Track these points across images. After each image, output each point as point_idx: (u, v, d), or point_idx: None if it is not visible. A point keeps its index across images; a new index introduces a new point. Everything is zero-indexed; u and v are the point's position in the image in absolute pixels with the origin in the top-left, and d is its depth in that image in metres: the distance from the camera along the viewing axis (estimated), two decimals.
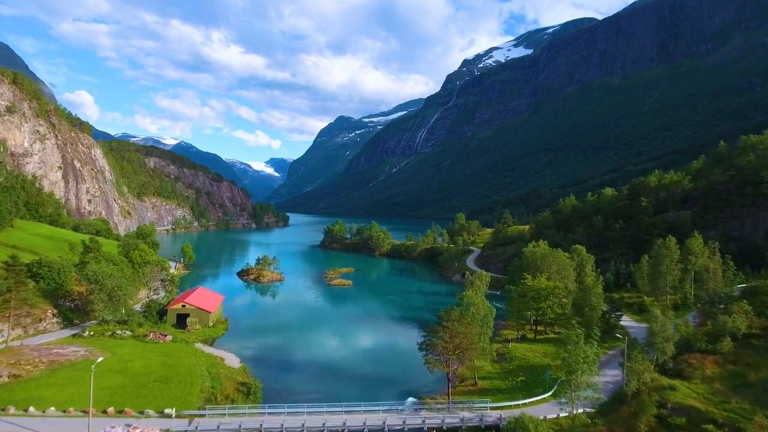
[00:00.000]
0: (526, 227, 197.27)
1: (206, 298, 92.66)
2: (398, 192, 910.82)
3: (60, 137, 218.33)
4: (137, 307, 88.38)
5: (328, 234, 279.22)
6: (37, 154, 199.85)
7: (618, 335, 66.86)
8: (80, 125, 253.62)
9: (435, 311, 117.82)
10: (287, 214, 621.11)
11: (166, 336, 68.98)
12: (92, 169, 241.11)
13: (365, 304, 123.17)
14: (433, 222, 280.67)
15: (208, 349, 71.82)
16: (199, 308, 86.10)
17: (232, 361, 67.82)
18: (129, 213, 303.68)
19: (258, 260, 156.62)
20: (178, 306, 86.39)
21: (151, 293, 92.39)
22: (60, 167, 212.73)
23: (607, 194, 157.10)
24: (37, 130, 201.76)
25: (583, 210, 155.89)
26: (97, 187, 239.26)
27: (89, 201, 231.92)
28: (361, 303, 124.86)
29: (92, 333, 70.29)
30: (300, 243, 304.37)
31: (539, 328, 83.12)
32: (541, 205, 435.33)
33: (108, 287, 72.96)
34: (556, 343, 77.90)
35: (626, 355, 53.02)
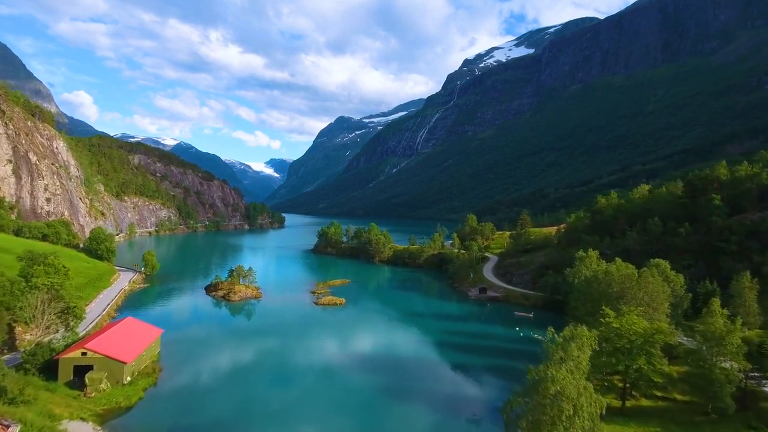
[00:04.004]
0: (553, 230, 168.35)
1: (126, 337, 63.45)
2: (399, 192, 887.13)
3: (11, 126, 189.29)
4: (10, 358, 59.02)
5: (322, 237, 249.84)
6: None
7: None
8: (40, 114, 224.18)
9: (454, 346, 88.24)
10: (285, 214, 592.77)
11: (9, 426, 40.16)
12: (52, 164, 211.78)
13: (361, 336, 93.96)
14: (439, 224, 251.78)
15: None
16: (108, 357, 57.00)
17: None
18: (102, 214, 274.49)
19: (231, 272, 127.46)
20: (76, 354, 57.25)
21: (41, 332, 62.57)
22: (10, 160, 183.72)
23: (661, 191, 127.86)
24: None
25: (630, 210, 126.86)
26: (58, 184, 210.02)
27: (48, 200, 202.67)
28: (355, 334, 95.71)
29: None
30: (292, 247, 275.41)
31: (619, 383, 53.86)
32: (547, 206, 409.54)
33: None
34: (661, 419, 48.97)
35: None
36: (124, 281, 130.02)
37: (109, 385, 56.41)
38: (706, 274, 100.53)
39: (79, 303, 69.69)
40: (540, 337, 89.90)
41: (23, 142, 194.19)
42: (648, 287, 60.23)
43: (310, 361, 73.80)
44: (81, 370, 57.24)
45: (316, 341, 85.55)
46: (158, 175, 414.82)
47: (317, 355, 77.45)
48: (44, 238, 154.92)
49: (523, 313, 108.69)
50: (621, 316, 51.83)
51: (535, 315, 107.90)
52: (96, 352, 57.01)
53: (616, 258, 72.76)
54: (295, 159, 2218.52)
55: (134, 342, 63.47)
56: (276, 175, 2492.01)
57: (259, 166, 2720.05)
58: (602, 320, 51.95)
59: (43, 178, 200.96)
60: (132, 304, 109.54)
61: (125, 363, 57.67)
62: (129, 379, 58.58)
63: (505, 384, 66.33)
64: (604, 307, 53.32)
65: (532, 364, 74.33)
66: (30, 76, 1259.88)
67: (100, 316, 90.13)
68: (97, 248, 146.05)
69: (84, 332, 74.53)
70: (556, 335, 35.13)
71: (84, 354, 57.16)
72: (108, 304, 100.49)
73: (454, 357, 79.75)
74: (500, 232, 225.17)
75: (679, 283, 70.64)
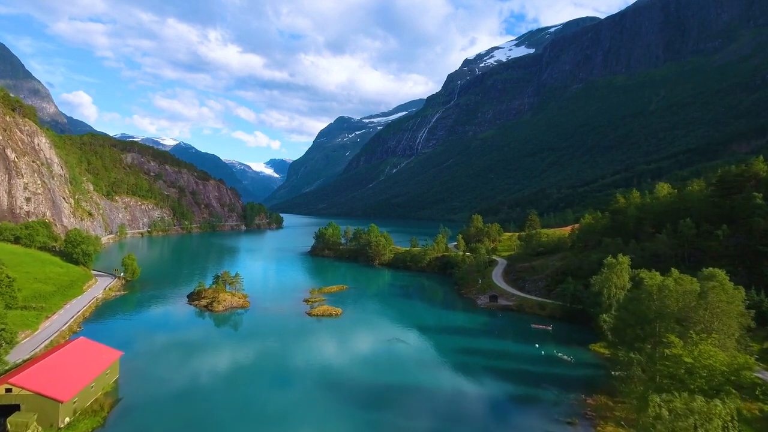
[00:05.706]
0: (566, 231, 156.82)
1: (70, 366, 51.79)
2: (399, 192, 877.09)
3: None
4: None
5: (319, 239, 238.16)
6: None
7: None
8: (21, 108, 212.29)
9: (465, 368, 70.65)
10: (284, 215, 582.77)
11: None
12: (33, 162, 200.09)
13: (358, 358, 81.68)
14: (441, 225, 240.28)
15: None
16: (39, 393, 45.39)
17: None
18: (90, 214, 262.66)
19: (216, 278, 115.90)
20: None
21: None
22: None
23: (692, 189, 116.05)
24: None
25: (656, 210, 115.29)
26: (39, 182, 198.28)
27: (28, 199, 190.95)
28: (351, 354, 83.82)
29: None
30: (288, 249, 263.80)
31: None
32: (550, 206, 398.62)
33: None
34: None
35: None
36: (98, 288, 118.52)
37: (40, 429, 44.82)
38: (749, 282, 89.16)
39: (9, 326, 57.74)
40: (565, 357, 78.23)
41: (0, 137, 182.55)
42: (717, 307, 48.48)
43: (297, 390, 62.06)
44: (5, 411, 45.65)
45: (306, 362, 73.72)
46: (152, 174, 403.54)
47: (305, 381, 65.66)
48: (17, 240, 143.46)
49: (541, 326, 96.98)
50: (691, 345, 40.23)
51: (555, 327, 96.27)
52: (23, 388, 45.37)
53: (672, 269, 60.64)
54: (294, 159, 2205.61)
55: (80, 371, 51.79)
56: (276, 175, 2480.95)
57: (259, 167, 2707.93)
58: (666, 351, 40.31)
59: (22, 176, 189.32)
60: (102, 315, 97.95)
61: (61, 401, 45.99)
62: (67, 420, 46.94)
63: (531, 423, 54.47)
64: (668, 335, 41.69)
65: (562, 391, 62.95)
66: (29, 75, 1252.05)
67: (58, 332, 78.61)
68: (72, 251, 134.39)
69: (30, 355, 63.03)
70: (662, 407, 23.45)
71: (8, 390, 45.53)
72: (72, 317, 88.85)
73: (465, 382, 67.94)
74: (506, 234, 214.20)
75: (740, 298, 58.94)
